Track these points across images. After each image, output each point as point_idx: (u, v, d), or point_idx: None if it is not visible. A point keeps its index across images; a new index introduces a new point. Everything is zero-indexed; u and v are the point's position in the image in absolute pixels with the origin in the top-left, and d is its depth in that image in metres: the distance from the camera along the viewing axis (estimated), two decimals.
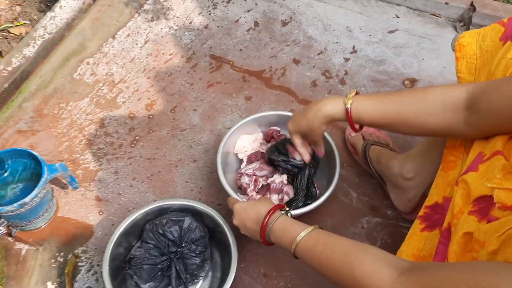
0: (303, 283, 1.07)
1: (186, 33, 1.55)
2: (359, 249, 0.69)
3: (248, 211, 0.89)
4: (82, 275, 1.08)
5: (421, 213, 0.84)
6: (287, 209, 0.88)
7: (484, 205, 0.69)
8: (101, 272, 0.97)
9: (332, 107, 0.88)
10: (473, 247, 0.66)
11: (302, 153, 1.02)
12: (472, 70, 0.84)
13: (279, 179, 1.08)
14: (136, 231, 1.07)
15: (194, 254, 1.02)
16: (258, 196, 1.09)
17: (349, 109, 0.85)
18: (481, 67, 0.82)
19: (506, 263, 0.55)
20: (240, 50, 1.51)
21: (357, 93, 0.87)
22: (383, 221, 1.16)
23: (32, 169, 1.11)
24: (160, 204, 1.06)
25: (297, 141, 1.00)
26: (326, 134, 1.13)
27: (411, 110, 0.80)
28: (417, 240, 0.82)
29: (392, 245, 1.11)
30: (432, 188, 0.85)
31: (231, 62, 1.48)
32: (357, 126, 0.90)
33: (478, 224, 0.66)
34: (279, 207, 0.87)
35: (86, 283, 1.07)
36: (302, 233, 0.77)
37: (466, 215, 0.70)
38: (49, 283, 1.06)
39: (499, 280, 0.49)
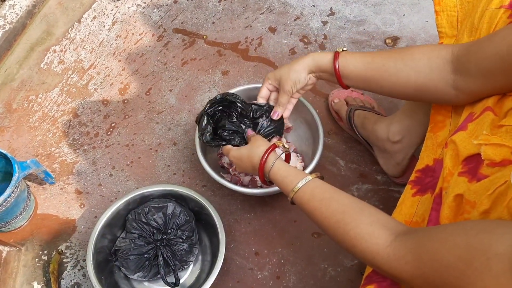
0: (296, 258, 1.04)
1: (155, 10, 1.48)
2: (356, 208, 0.67)
3: (243, 160, 0.87)
4: (68, 271, 1.04)
5: (412, 177, 0.81)
6: (285, 145, 0.86)
7: (473, 165, 0.66)
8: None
9: (320, 54, 0.85)
10: (464, 209, 0.63)
11: (261, 92, 0.95)
12: (453, 23, 0.79)
13: None
14: (120, 222, 1.03)
15: (181, 240, 0.99)
16: (241, 175, 1.05)
17: (337, 55, 0.82)
18: (463, 19, 0.78)
19: (499, 221, 0.52)
20: (213, 23, 1.44)
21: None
22: (373, 187, 1.13)
23: (3, 169, 1.06)
24: (142, 191, 1.02)
25: (267, 86, 0.93)
26: (307, 103, 1.08)
27: (397, 65, 0.76)
28: (409, 205, 0.79)
29: (383, 210, 1.05)
30: (422, 151, 0.82)
31: (204, 37, 1.41)
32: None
33: (469, 185, 0.63)
34: (273, 148, 0.84)
35: (74, 279, 1.04)
36: (299, 184, 0.74)
37: (456, 177, 0.67)
38: (35, 284, 1.02)
39: (492, 240, 0.46)
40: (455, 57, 0.69)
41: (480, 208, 0.59)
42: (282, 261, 1.04)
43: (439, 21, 0.80)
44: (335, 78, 0.84)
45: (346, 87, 0.86)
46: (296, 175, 0.77)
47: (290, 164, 1.04)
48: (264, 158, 0.82)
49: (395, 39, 1.37)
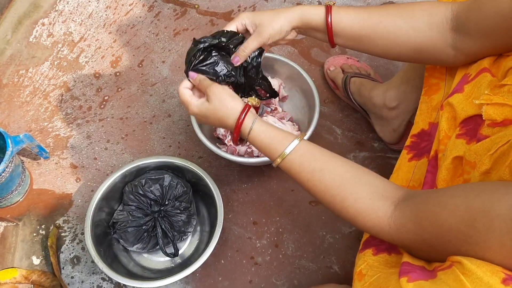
0: (294, 226, 1.05)
1: None
2: (352, 179, 0.63)
3: (210, 118, 0.75)
4: (67, 245, 1.04)
5: (407, 142, 0.81)
6: (254, 100, 0.78)
7: (471, 126, 0.65)
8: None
9: (309, 8, 0.75)
10: (464, 170, 0.62)
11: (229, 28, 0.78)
12: None
13: None
14: (116, 195, 1.02)
15: (178, 211, 0.98)
16: (238, 145, 1.04)
17: (330, 9, 0.73)
18: None
19: (498, 182, 0.52)
20: None
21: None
22: (371, 155, 1.12)
23: None
24: (138, 164, 1.01)
25: (238, 25, 0.78)
26: (303, 72, 1.06)
27: (396, 22, 0.71)
28: (406, 170, 0.79)
29: None
30: (417, 115, 0.81)
31: (196, 6, 1.38)
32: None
33: (467, 146, 0.63)
34: (249, 108, 0.72)
35: (72, 252, 1.04)
36: (286, 151, 0.67)
37: (454, 139, 0.66)
38: (33, 258, 1.02)
39: (494, 201, 0.46)
40: (455, 15, 0.67)
41: (481, 168, 0.58)
42: (280, 230, 1.04)
43: None
44: (325, 35, 0.76)
45: (335, 45, 0.78)
46: (280, 140, 0.69)
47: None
48: (241, 119, 0.71)
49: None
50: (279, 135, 0.70)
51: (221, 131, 1.06)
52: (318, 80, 1.23)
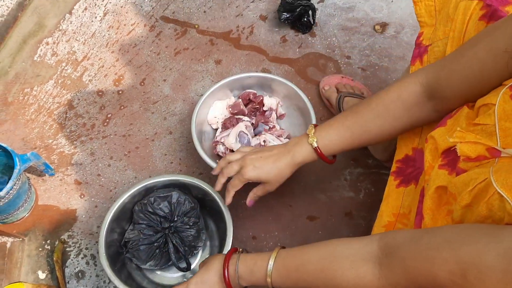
0: (293, 240, 1.08)
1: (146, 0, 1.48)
2: (330, 258, 0.66)
3: (203, 284, 0.81)
4: (71, 260, 1.07)
5: (393, 168, 0.83)
6: (240, 249, 0.83)
7: (452, 157, 0.66)
8: (96, 258, 0.95)
9: (300, 153, 0.85)
10: (448, 200, 0.65)
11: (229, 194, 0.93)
12: (432, 13, 0.81)
13: (256, 141, 1.07)
14: (126, 215, 1.03)
15: (188, 226, 1.01)
16: None
17: (318, 148, 0.83)
18: (440, 9, 0.79)
19: (479, 228, 0.53)
20: (204, 12, 1.45)
21: (315, 126, 0.86)
22: (365, 171, 1.17)
23: (3, 162, 1.07)
24: (145, 183, 1.02)
25: (239, 184, 0.91)
26: (299, 91, 1.11)
27: (377, 124, 0.78)
28: (395, 198, 0.80)
29: (375, 193, 1.13)
30: (399, 139, 0.83)
31: (196, 26, 1.42)
32: (330, 157, 0.87)
33: (449, 177, 0.65)
34: (231, 254, 0.80)
35: (77, 267, 1.07)
36: (269, 267, 0.73)
37: (436, 170, 0.68)
38: (39, 272, 1.05)
39: (480, 252, 0.48)
40: (425, 87, 0.71)
41: (462, 202, 0.59)
42: (279, 244, 1.08)
43: (417, 11, 0.82)
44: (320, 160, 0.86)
45: (333, 161, 0.89)
46: (261, 259, 0.75)
47: None
48: (226, 274, 0.77)
49: (383, 25, 1.40)
50: (259, 257, 0.76)
51: (221, 149, 1.10)
52: (315, 98, 1.27)
